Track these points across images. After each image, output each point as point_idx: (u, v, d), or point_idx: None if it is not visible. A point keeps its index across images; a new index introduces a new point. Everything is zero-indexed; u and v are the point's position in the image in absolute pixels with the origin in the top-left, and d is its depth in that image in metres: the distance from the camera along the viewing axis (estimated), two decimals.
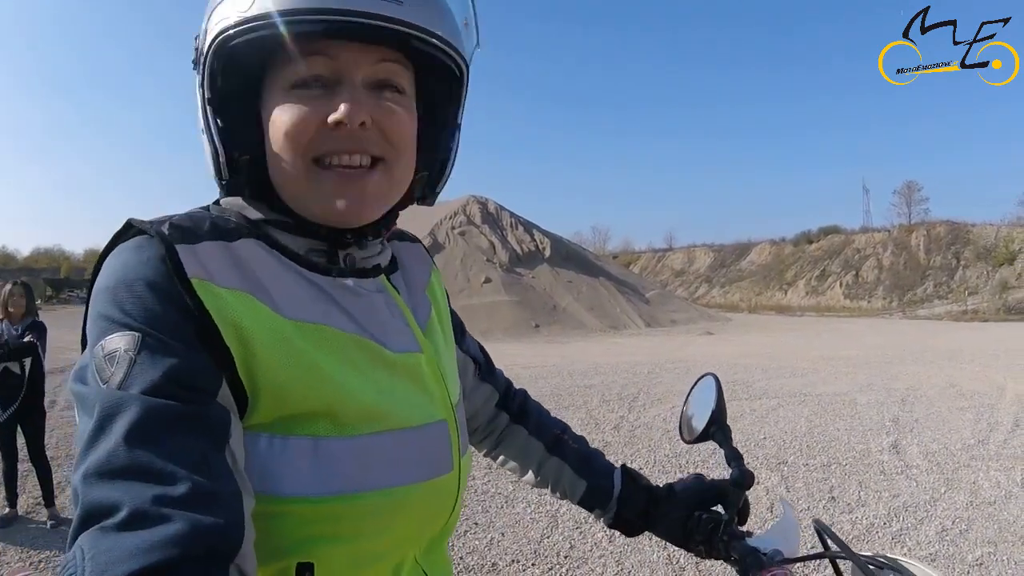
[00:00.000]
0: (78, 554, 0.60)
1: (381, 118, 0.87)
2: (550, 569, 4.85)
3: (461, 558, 4.95)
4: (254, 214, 0.92)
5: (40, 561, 4.93)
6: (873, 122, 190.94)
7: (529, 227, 39.50)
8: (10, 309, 5.86)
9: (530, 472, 1.36)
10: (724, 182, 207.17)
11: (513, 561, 4.95)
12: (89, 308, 0.78)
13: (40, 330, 5.95)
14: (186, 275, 0.77)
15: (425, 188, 1.03)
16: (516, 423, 1.36)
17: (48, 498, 5.81)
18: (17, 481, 5.89)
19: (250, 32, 0.82)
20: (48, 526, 5.61)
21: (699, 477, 1.27)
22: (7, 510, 5.76)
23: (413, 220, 40.45)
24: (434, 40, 0.88)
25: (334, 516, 0.82)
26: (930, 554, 5.12)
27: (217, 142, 0.87)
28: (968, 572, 4.86)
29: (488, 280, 32.23)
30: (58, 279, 70.94)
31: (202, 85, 0.87)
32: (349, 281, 0.94)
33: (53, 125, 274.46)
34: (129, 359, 0.71)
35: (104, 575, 0.59)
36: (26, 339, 5.80)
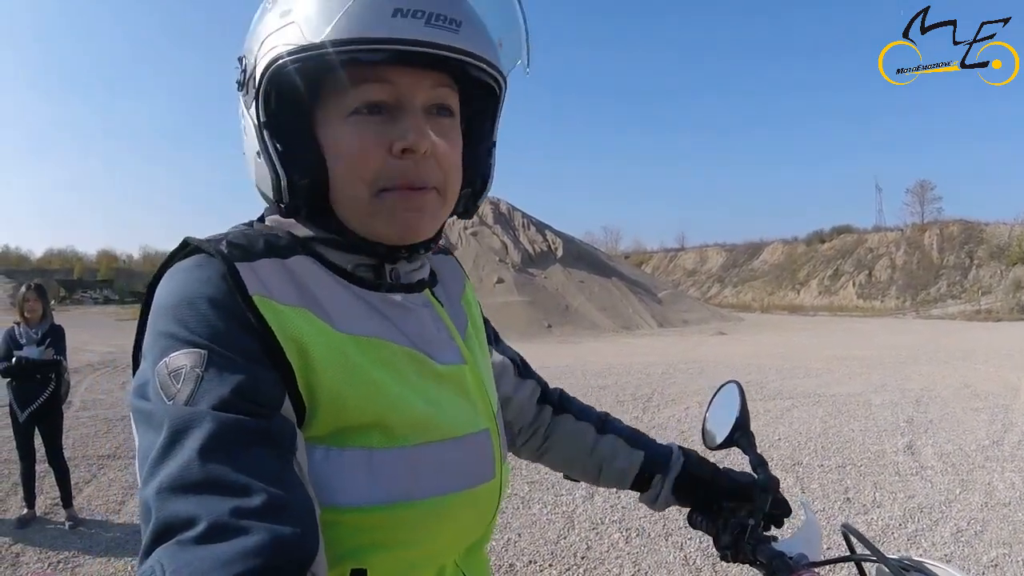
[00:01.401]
0: (157, 569, 0.60)
1: (436, 148, 0.89)
2: (567, 570, 4.87)
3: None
4: (303, 231, 0.94)
5: (59, 562, 4.97)
6: (886, 120, 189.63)
7: (541, 227, 39.45)
8: (26, 315, 5.89)
9: (583, 459, 1.35)
10: (736, 182, 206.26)
11: (530, 562, 4.98)
12: (148, 325, 0.79)
13: (59, 335, 5.99)
14: (248, 292, 0.79)
15: (467, 203, 1.06)
16: (560, 413, 1.37)
17: (66, 499, 5.85)
18: (35, 482, 5.94)
19: (311, 60, 0.83)
20: (66, 527, 5.64)
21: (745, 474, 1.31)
22: (25, 511, 5.81)
23: None
24: (485, 65, 0.91)
25: (386, 524, 0.84)
26: (945, 555, 5.11)
27: (279, 166, 0.89)
28: (983, 573, 4.86)
29: (500, 280, 32.21)
30: (71, 280, 71.31)
31: (257, 109, 0.89)
32: (398, 296, 0.96)
33: (65, 125, 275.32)
34: (196, 376, 0.72)
35: None
36: (48, 352, 5.84)
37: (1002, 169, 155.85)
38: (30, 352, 5.78)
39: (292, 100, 0.88)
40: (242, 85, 0.93)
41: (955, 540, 5.42)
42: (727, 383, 1.41)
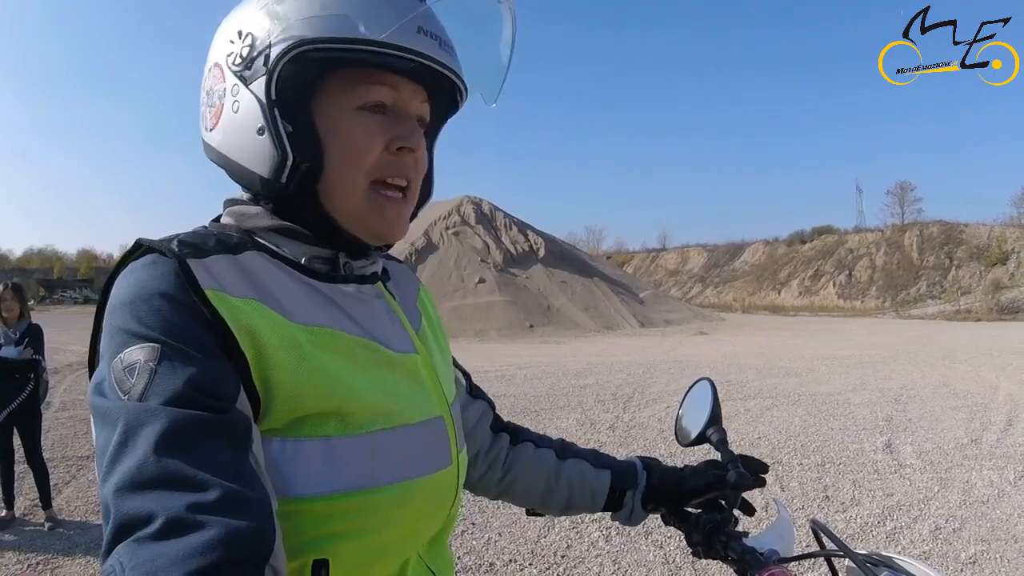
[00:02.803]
0: (117, 567, 0.61)
1: (421, 155, 0.99)
2: (547, 569, 4.86)
3: (459, 558, 4.94)
4: (263, 222, 0.96)
5: (38, 563, 4.91)
6: (866, 122, 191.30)
7: (523, 227, 39.42)
8: (4, 315, 5.82)
9: (549, 487, 1.34)
10: (717, 182, 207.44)
11: (510, 561, 4.97)
12: (104, 324, 0.80)
13: (37, 334, 5.94)
14: (200, 287, 0.80)
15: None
16: (519, 443, 1.37)
17: (45, 500, 5.79)
18: (14, 483, 5.88)
19: (343, 52, 0.89)
20: (46, 528, 5.59)
21: (713, 462, 1.31)
22: (4, 512, 5.74)
23: None
24: (464, 91, 1.03)
25: (346, 512, 0.85)
26: (924, 552, 5.14)
27: (287, 146, 0.90)
28: (961, 570, 4.89)
29: (482, 280, 32.15)
30: (51, 279, 70.81)
31: (268, 85, 0.90)
32: (351, 287, 0.99)
33: (45, 125, 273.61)
34: (150, 370, 0.73)
35: None
36: (26, 351, 5.78)
37: (982, 171, 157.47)
38: (8, 352, 5.73)
39: (301, 85, 0.91)
40: (244, 60, 0.92)
41: (933, 537, 5.45)
42: (699, 380, 1.41)
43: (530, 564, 4.92)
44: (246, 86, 0.92)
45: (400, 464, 0.91)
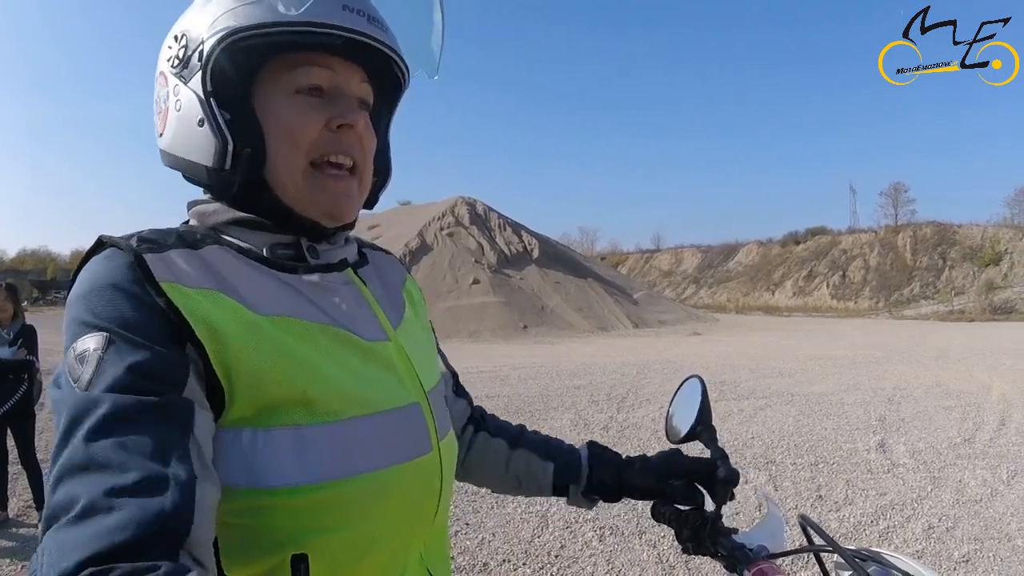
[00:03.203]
0: (40, 553, 0.65)
1: (363, 132, 1.00)
2: (541, 568, 4.86)
3: (453, 558, 4.92)
4: (225, 216, 0.98)
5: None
6: (860, 123, 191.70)
7: (517, 228, 39.49)
8: None
9: (500, 475, 1.36)
10: (712, 183, 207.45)
11: (504, 561, 4.96)
12: (65, 318, 0.83)
13: (30, 335, 5.90)
14: (155, 278, 0.82)
15: (371, 195, 1.12)
16: (479, 431, 1.38)
17: (39, 501, 5.72)
18: (7, 484, 5.86)
19: (267, 36, 0.91)
20: (39, 529, 5.52)
21: (676, 452, 1.30)
22: None
23: (403, 222, 40.41)
24: (404, 66, 1.05)
25: (321, 504, 0.85)
26: (917, 551, 5.15)
27: (226, 132, 0.92)
28: (955, 569, 4.90)
29: (476, 281, 32.20)
30: (44, 280, 70.58)
31: (203, 78, 0.92)
32: (315, 276, 1.00)
33: (39, 126, 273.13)
34: (97, 357, 0.75)
35: (55, 568, 0.62)
36: (20, 352, 5.75)
37: (975, 172, 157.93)
38: (1, 353, 5.70)
39: (236, 75, 0.94)
40: (181, 60, 0.96)
41: (927, 536, 5.46)
42: (689, 378, 1.41)
43: (524, 564, 4.92)
44: (185, 84, 0.95)
45: (374, 452, 0.91)
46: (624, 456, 1.35)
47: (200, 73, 0.93)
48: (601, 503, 1.34)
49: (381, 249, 1.27)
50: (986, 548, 5.22)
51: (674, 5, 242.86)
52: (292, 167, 0.95)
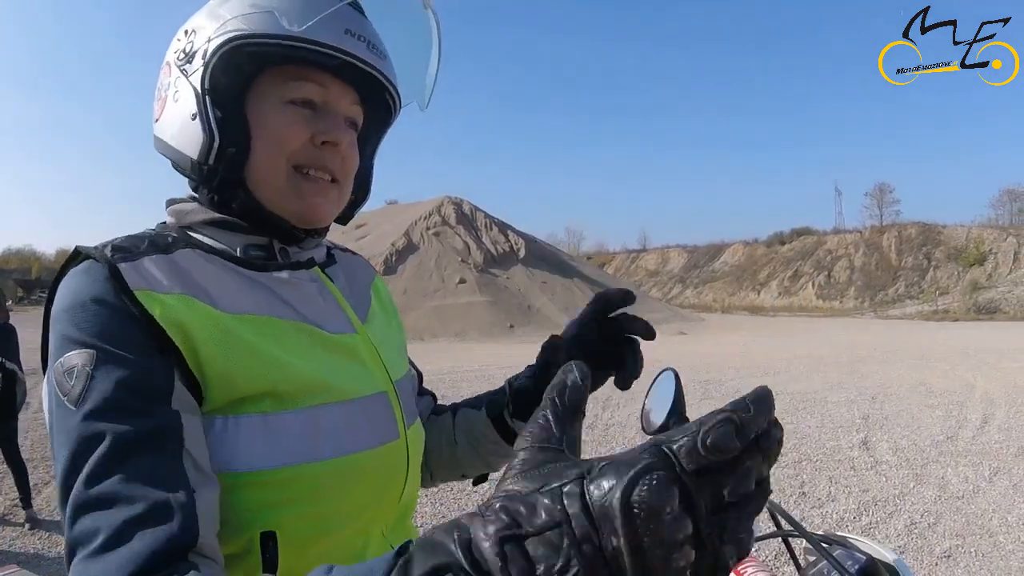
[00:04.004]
0: None
1: (347, 151, 1.03)
2: None
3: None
4: (200, 216, 1.02)
5: (18, 563, 4.83)
6: (846, 125, 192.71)
7: (504, 228, 39.53)
8: None
9: (450, 445, 1.33)
10: (697, 184, 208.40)
11: None
12: (50, 331, 0.86)
13: (7, 336, 5.85)
14: (129, 288, 0.84)
15: (347, 210, 1.17)
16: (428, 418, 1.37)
17: (25, 500, 5.76)
18: None
19: (269, 46, 0.95)
20: (26, 527, 5.57)
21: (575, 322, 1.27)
22: None
23: (389, 221, 40.39)
24: (396, 95, 1.09)
25: (290, 485, 0.89)
26: (899, 547, 5.17)
27: (215, 129, 0.96)
28: (936, 564, 4.93)
29: (463, 281, 32.20)
30: (29, 280, 70.12)
31: (203, 75, 0.96)
32: (284, 274, 1.04)
33: (20, 125, 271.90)
34: (87, 374, 0.79)
35: None
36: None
37: (960, 173, 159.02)
38: None
39: (234, 77, 0.97)
40: (186, 54, 0.99)
41: (909, 532, 5.50)
42: (664, 371, 1.40)
43: None
44: (187, 78, 0.99)
45: (342, 438, 0.95)
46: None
47: (201, 70, 0.96)
48: None
49: (350, 251, 1.31)
50: (967, 544, 5.26)
51: (654, 10, 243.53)
52: (273, 168, 0.98)
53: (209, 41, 0.96)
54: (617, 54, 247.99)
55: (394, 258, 32.72)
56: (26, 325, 6.44)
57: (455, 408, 1.37)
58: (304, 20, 0.94)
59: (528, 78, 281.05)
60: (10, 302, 6.39)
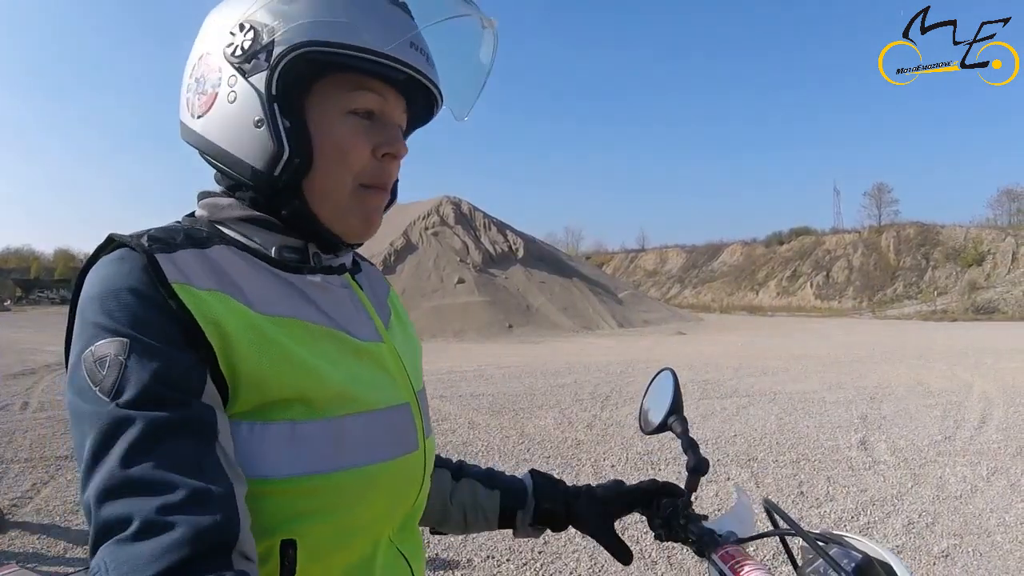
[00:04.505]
0: (102, 566, 0.68)
1: (401, 160, 1.05)
2: (524, 564, 4.87)
3: (436, 555, 4.95)
4: (237, 211, 1.00)
5: (16, 563, 4.84)
6: (845, 125, 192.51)
7: (502, 227, 39.43)
8: None
9: (444, 507, 1.35)
10: (696, 183, 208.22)
11: (488, 557, 4.97)
12: (77, 318, 0.83)
13: None
14: (167, 281, 0.83)
15: None
16: None
17: None
18: None
19: (346, 58, 0.93)
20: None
21: (619, 482, 1.34)
22: None
23: (388, 221, 40.00)
24: (440, 103, 1.10)
25: (313, 494, 0.88)
26: (897, 546, 5.18)
27: (286, 141, 0.93)
28: (934, 564, 4.93)
29: (461, 280, 32.12)
30: (28, 279, 69.99)
31: (270, 81, 0.93)
32: (317, 277, 1.02)
33: (19, 124, 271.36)
34: (120, 363, 0.76)
35: None
36: None
37: (958, 173, 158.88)
38: None
39: (299, 84, 0.95)
40: (244, 52, 0.94)
41: (907, 532, 5.51)
42: (662, 371, 1.44)
43: (507, 560, 4.93)
44: (245, 78, 0.94)
45: (365, 448, 0.95)
46: (569, 486, 1.37)
47: (267, 74, 0.93)
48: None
49: (367, 260, 1.29)
50: (965, 543, 5.27)
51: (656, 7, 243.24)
52: (339, 184, 0.98)
53: (275, 43, 0.92)
54: (618, 60, 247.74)
55: (392, 258, 32.58)
56: (24, 325, 6.46)
57: (458, 470, 1.38)
58: (388, 39, 0.93)
59: (532, 84, 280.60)
60: (8, 302, 6.40)
